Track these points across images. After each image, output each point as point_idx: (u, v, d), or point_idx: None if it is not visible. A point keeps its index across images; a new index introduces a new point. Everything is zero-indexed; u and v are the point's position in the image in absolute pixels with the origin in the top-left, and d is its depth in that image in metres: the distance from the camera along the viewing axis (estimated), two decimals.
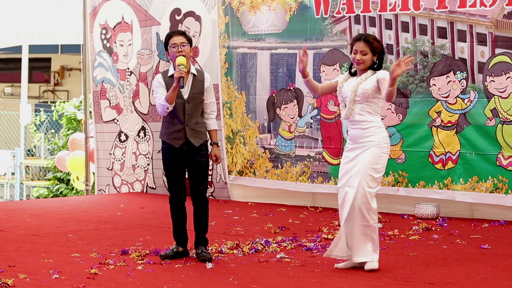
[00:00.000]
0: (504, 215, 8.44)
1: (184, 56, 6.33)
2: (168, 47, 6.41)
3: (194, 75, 6.46)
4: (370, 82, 5.99)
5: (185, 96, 6.40)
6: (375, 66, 6.04)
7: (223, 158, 10.28)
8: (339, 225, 8.09)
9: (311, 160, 9.69)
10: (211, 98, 6.54)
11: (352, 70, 6.16)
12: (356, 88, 6.00)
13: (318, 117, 9.61)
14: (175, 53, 6.35)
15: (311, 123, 9.71)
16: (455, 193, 8.65)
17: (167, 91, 6.36)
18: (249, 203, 10.08)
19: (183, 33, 6.47)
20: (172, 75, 6.38)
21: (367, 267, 5.93)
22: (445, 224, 8.21)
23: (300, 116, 9.79)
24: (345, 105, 6.09)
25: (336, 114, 9.42)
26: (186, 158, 6.44)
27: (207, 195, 6.55)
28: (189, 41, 6.44)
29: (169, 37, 6.42)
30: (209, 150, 6.53)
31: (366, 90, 5.97)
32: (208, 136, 6.57)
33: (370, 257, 5.93)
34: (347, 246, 6.01)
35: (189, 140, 6.39)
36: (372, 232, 5.94)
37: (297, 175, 9.80)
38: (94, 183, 12.41)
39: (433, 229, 7.96)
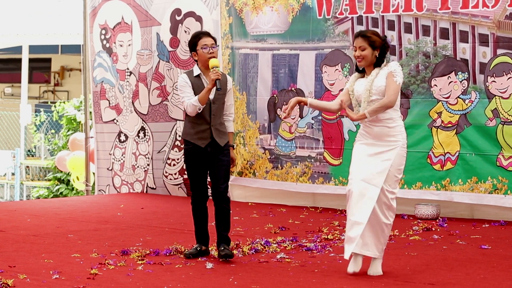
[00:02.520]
0: (505, 215, 8.43)
1: (215, 57, 6.39)
2: (197, 48, 6.41)
3: None
4: (383, 77, 5.78)
5: (211, 97, 6.42)
6: (380, 63, 5.82)
7: None
8: (339, 225, 8.12)
9: (312, 160, 9.68)
10: (231, 100, 6.61)
11: (360, 67, 5.92)
12: (369, 87, 5.79)
13: (319, 117, 9.60)
14: (206, 54, 6.38)
15: (312, 124, 9.70)
16: (453, 194, 8.62)
17: (194, 90, 6.38)
18: (249, 204, 10.07)
19: (210, 34, 6.50)
20: (198, 75, 6.43)
21: (371, 272, 5.81)
22: (445, 225, 8.21)
23: (301, 116, 9.77)
24: (360, 106, 5.90)
25: (337, 114, 9.40)
26: (209, 159, 6.45)
27: (228, 194, 6.57)
28: (215, 42, 6.51)
29: (198, 38, 6.42)
30: None
31: (381, 87, 5.76)
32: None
33: (379, 255, 5.80)
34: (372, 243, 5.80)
35: (214, 141, 6.41)
36: (387, 231, 5.81)
37: (297, 175, 9.78)
38: (94, 183, 12.40)
39: (433, 229, 7.95)
